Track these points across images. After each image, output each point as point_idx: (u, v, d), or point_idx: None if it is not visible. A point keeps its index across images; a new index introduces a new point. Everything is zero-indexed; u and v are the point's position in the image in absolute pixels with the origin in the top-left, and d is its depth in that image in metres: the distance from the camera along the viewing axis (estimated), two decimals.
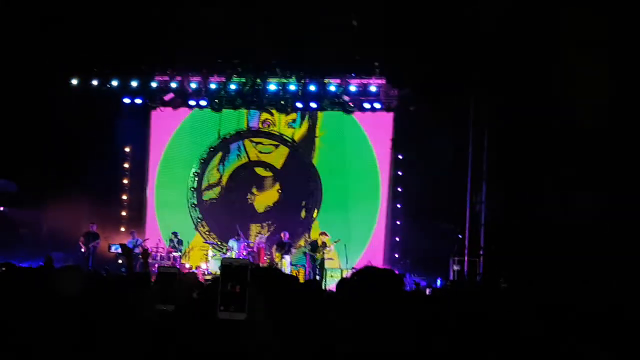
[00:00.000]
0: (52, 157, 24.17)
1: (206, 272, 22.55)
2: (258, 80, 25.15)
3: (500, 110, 21.83)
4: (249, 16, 22.30)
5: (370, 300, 4.25)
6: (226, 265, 3.98)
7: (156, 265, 23.26)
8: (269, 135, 26.34)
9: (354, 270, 4.88)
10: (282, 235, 23.95)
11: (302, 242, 24.81)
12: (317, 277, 22.08)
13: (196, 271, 22.71)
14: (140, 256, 23.59)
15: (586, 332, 5.23)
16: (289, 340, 4.26)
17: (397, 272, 4.77)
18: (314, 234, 24.30)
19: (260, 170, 26.39)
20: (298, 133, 26.20)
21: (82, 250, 23.55)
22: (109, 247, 24.01)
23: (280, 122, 26.27)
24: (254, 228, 25.84)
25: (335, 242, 23.35)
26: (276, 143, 26.31)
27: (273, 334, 4.22)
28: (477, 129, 22.65)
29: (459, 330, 5.01)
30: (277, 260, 23.20)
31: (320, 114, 26.00)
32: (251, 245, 24.34)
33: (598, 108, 17.75)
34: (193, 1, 22.36)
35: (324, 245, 22.95)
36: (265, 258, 23.39)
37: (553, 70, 19.29)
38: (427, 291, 16.16)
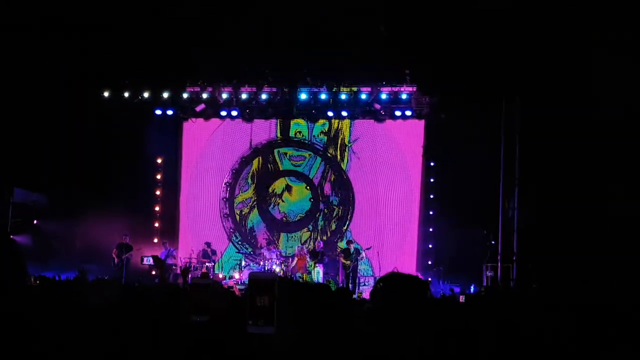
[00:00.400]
0: (84, 169, 24.38)
1: (239, 282, 22.61)
2: (288, 90, 25.21)
3: (531, 115, 21.75)
4: (278, 25, 22.37)
5: (394, 306, 4.26)
6: (254, 279, 4.00)
7: (190, 277, 23.41)
8: (300, 145, 26.35)
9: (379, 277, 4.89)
10: (316, 244, 24.04)
11: (335, 250, 24.83)
12: (350, 285, 22.12)
13: (229, 281, 22.85)
14: (173, 267, 23.83)
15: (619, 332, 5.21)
16: (316, 350, 4.27)
17: (422, 277, 4.80)
18: (346, 242, 24.26)
19: (292, 180, 26.40)
20: (329, 141, 26.17)
21: (115, 261, 23.67)
22: (141, 260, 24.10)
23: (312, 131, 26.27)
24: (286, 237, 25.95)
25: (366, 249, 23.41)
26: (308, 152, 26.30)
27: (301, 346, 4.24)
28: (508, 134, 22.55)
29: (483, 336, 5.01)
30: (311, 268, 23.25)
31: (347, 122, 26.00)
32: (284, 254, 24.44)
33: (630, 110, 17.66)
34: (223, 12, 22.43)
35: (357, 252, 23.01)
36: (303, 267, 23.44)
37: (582, 74, 19.18)
38: (461, 298, 16.10)
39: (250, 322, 3.98)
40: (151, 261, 23.72)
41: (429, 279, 21.80)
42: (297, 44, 22.73)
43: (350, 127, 26.02)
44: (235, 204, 26.66)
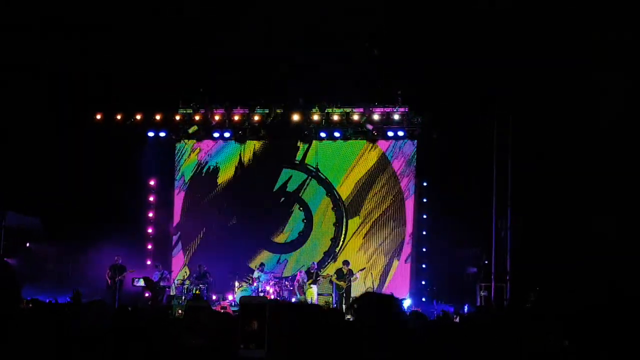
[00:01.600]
0: (77, 192, 24.27)
1: (233, 304, 22.52)
2: (281, 111, 25.24)
3: (524, 134, 21.83)
4: (271, 47, 22.46)
5: (368, 325, 4.33)
6: (245, 303, 4.01)
7: (183, 298, 23.32)
8: (293, 165, 26.34)
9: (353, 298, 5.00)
10: (311, 265, 23.97)
11: (328, 271, 24.77)
12: (343, 307, 22.01)
13: (223, 302, 22.77)
14: (167, 289, 23.75)
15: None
16: None
17: (395, 296, 4.86)
18: (339, 263, 24.21)
19: (284, 201, 26.34)
20: (322, 162, 26.17)
21: (109, 283, 23.53)
22: (132, 282, 24.00)
23: (305, 152, 26.27)
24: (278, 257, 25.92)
25: (360, 270, 23.38)
26: (299, 173, 26.28)
27: None
28: (500, 154, 22.60)
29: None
30: (306, 289, 23.22)
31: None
32: (279, 276, 24.40)
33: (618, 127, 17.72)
34: (214, 35, 22.51)
35: (350, 273, 22.95)
36: (301, 289, 23.38)
37: (574, 94, 19.27)
38: (456, 318, 16.09)
39: (241, 347, 3.98)
40: (142, 282, 23.65)
41: (395, 296, 21.73)
42: (290, 65, 22.83)
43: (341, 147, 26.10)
44: (229, 224, 26.60)
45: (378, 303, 4.57)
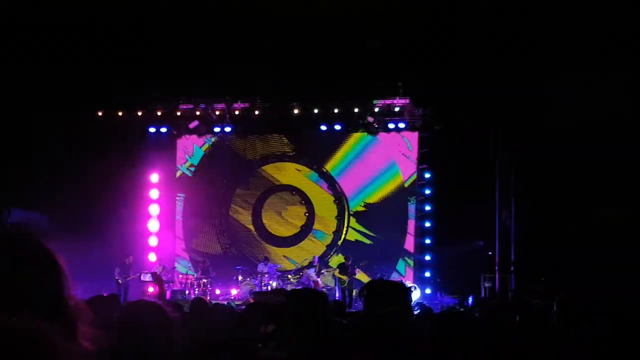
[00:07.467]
0: (79, 188, 24.17)
1: (236, 299, 22.52)
2: (282, 105, 25.21)
3: (526, 126, 21.74)
4: (273, 41, 22.38)
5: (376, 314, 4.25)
6: (261, 303, 3.99)
7: (187, 292, 23.27)
8: (294, 159, 26.32)
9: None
10: (312, 259, 23.99)
11: (331, 264, 24.77)
12: (347, 300, 21.85)
13: (226, 296, 22.75)
14: (170, 284, 23.65)
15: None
16: None
17: (405, 284, 4.83)
18: (345, 257, 24.11)
19: (286, 195, 26.34)
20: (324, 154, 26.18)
21: (119, 282, 23.14)
22: (140, 276, 23.88)
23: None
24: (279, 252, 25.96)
25: (362, 264, 23.32)
26: (301, 167, 26.26)
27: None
28: (503, 145, 22.50)
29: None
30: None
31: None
32: (281, 269, 24.44)
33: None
34: (216, 29, 22.41)
35: (353, 266, 22.87)
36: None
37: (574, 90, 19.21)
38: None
39: (259, 346, 3.95)
40: (150, 278, 23.53)
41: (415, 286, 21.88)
42: (290, 59, 22.76)
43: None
44: (231, 220, 26.59)
45: (390, 289, 4.51)
